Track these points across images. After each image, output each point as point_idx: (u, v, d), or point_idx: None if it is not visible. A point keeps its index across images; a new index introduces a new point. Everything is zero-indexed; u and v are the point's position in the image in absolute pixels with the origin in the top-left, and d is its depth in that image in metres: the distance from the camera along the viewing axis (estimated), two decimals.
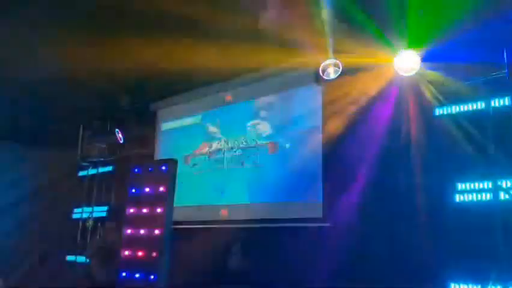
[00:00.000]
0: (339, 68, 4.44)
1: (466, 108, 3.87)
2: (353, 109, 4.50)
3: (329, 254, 4.28)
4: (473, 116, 3.82)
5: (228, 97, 5.80)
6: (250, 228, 4.98)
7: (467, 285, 3.58)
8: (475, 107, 3.83)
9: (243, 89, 5.63)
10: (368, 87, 4.37)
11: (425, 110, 4.08)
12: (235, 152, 5.50)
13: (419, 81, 4.05)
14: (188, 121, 6.22)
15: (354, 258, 4.13)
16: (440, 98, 3.99)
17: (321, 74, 4.55)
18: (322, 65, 4.53)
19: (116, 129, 6.50)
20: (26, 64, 5.18)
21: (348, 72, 4.46)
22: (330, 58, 4.43)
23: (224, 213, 5.35)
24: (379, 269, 3.96)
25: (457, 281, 3.62)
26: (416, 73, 3.94)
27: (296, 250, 4.54)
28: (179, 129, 6.31)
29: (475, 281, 3.52)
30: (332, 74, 4.48)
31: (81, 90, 5.87)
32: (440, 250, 3.68)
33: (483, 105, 3.77)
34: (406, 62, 3.94)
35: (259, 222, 4.97)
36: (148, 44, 4.51)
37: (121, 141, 6.52)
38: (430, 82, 4.03)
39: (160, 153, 6.32)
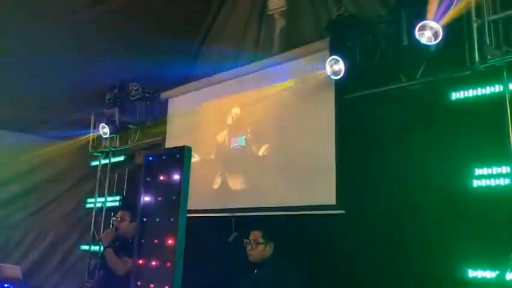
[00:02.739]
0: None
1: (483, 91, 3.80)
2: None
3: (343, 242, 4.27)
4: (490, 99, 3.74)
5: None
6: (259, 216, 4.98)
7: (485, 271, 3.54)
8: (492, 90, 3.76)
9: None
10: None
11: (440, 95, 4.02)
12: None
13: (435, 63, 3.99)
14: None
15: (369, 246, 4.11)
16: (457, 81, 3.92)
17: None
18: None
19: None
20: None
21: None
22: None
23: None
24: (394, 256, 3.94)
25: (475, 267, 3.58)
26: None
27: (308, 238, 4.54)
28: None
29: (493, 268, 3.47)
30: None
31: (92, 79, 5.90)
32: (458, 236, 3.64)
33: (501, 88, 3.69)
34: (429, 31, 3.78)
35: (268, 210, 4.97)
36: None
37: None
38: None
39: (172, 143, 6.31)
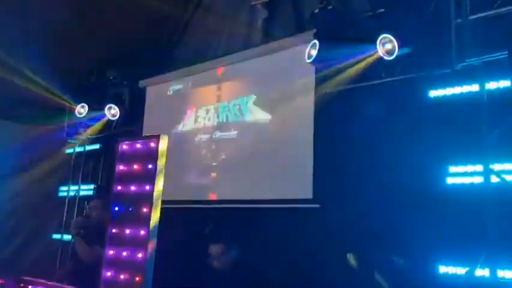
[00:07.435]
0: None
1: (460, 90, 3.84)
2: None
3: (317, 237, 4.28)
4: (467, 98, 3.78)
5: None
6: (236, 209, 4.95)
7: (456, 267, 3.59)
8: (469, 89, 3.79)
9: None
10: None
11: (418, 92, 4.04)
12: None
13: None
14: None
15: (342, 241, 4.13)
16: (435, 79, 3.95)
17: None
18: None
19: (109, 104, 6.32)
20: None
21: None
22: None
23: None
24: (368, 251, 3.96)
25: (446, 263, 3.63)
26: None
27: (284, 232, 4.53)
28: None
29: (464, 264, 3.53)
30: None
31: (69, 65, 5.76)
32: (430, 232, 3.68)
33: (477, 87, 3.73)
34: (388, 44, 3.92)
35: (245, 203, 4.94)
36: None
37: (113, 118, 6.34)
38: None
39: (149, 131, 6.22)
